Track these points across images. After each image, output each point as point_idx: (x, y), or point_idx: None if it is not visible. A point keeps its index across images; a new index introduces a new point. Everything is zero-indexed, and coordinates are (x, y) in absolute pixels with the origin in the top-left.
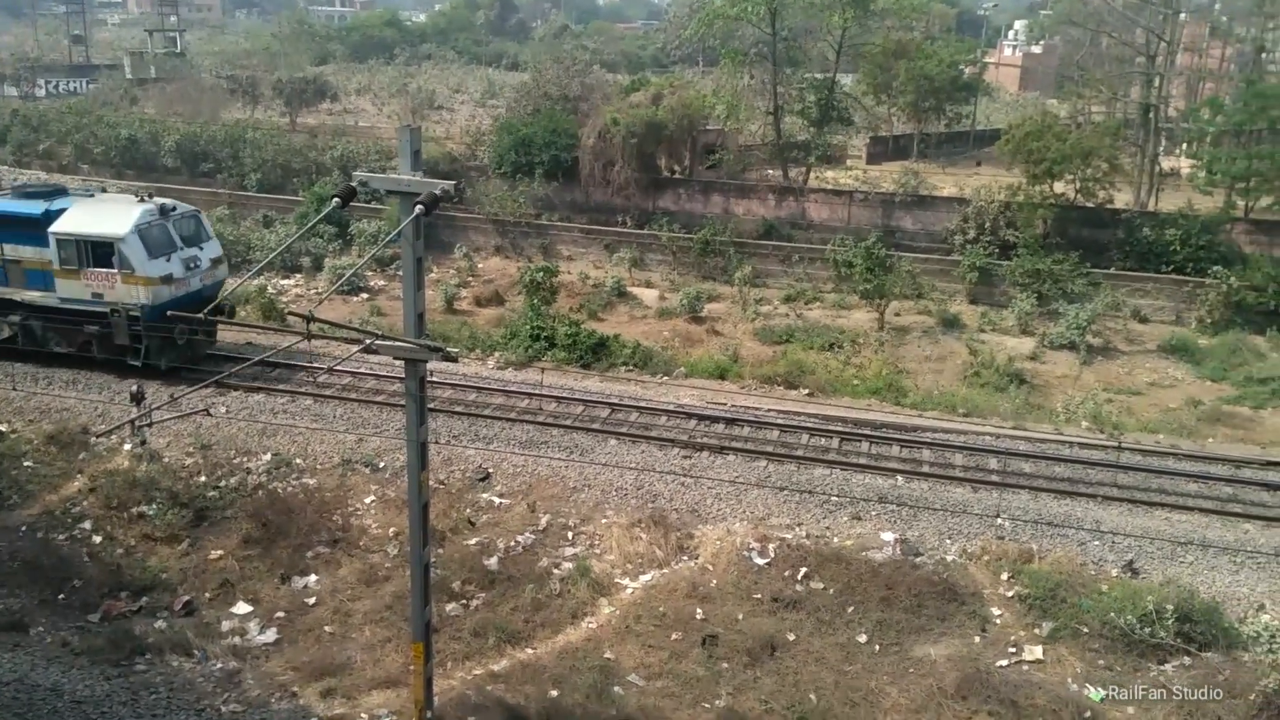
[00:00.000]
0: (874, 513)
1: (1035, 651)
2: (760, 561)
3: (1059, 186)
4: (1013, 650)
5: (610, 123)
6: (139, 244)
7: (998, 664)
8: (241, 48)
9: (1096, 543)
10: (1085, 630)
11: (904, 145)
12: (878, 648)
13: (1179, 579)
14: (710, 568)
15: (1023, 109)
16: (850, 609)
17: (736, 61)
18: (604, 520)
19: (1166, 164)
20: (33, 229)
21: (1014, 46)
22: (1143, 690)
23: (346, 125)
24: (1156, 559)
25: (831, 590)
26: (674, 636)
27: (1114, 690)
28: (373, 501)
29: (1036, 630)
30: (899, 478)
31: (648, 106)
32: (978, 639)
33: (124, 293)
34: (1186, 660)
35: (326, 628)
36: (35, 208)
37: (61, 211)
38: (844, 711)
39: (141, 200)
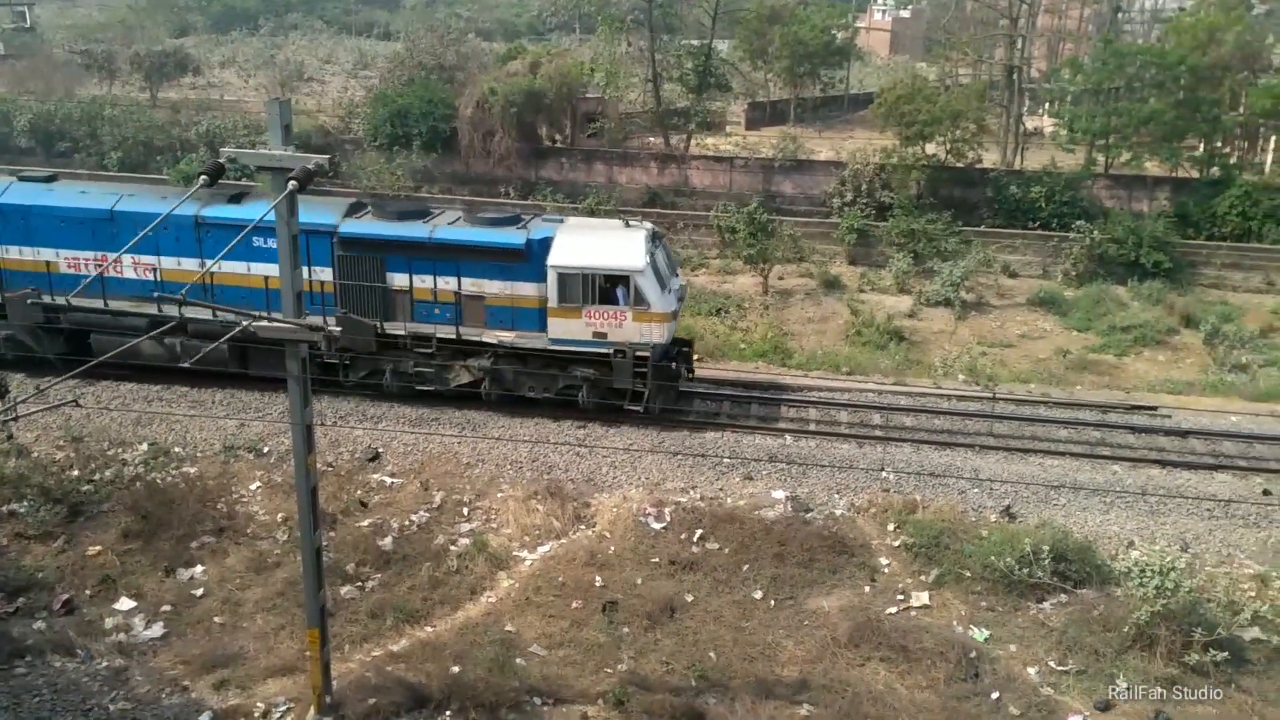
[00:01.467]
0: (765, 472)
1: (922, 597)
2: (657, 526)
3: (930, 148)
4: (901, 597)
5: (488, 92)
6: (652, 276)
7: (887, 611)
8: (96, 21)
9: (976, 490)
10: (968, 574)
11: (781, 110)
12: (773, 603)
13: (1053, 521)
14: (608, 535)
15: (893, 73)
16: (745, 567)
17: (613, 28)
18: (499, 494)
19: (1030, 124)
20: (509, 260)
21: (883, 11)
22: (1023, 628)
23: (211, 100)
24: (1032, 503)
25: (727, 550)
26: (574, 605)
27: (997, 629)
28: (259, 488)
29: (923, 577)
30: (788, 437)
31: (526, 75)
32: (868, 588)
33: (632, 331)
34: (1063, 598)
35: (216, 619)
36: (515, 237)
37: (547, 241)
38: (742, 667)
39: (629, 226)
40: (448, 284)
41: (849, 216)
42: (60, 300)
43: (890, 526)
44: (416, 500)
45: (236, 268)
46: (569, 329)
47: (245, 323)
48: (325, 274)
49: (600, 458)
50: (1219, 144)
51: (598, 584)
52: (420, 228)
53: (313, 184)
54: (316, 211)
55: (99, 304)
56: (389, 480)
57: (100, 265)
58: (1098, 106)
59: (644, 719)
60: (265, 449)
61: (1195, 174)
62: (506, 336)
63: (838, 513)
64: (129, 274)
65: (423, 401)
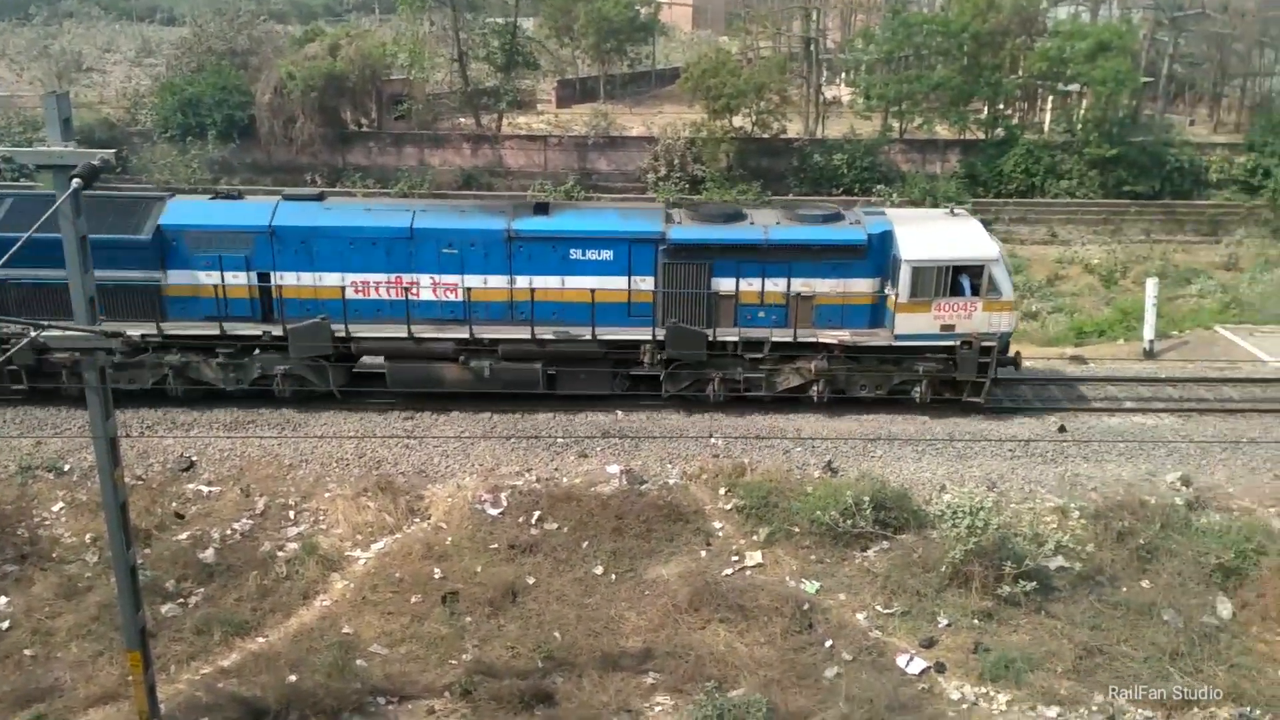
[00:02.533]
0: (599, 448)
1: (755, 557)
2: (493, 512)
3: (738, 120)
4: (736, 559)
5: (286, 77)
6: (1003, 264)
7: (724, 573)
8: None
9: (799, 449)
10: (797, 530)
11: (591, 87)
12: (614, 577)
13: (872, 472)
14: (444, 526)
15: (698, 47)
16: (585, 544)
17: (414, 7)
18: (327, 494)
19: (829, 93)
20: (847, 257)
21: None
22: (850, 577)
23: None
24: (851, 457)
25: (565, 529)
26: (413, 600)
27: (827, 580)
28: (62, 509)
29: (755, 537)
30: (619, 412)
31: (325, 58)
32: (704, 553)
33: (981, 321)
34: (885, 544)
35: (26, 651)
36: (855, 234)
37: (886, 235)
38: (588, 643)
39: (955, 214)
40: (777, 285)
41: (663, 190)
42: (355, 331)
43: (721, 491)
44: (238, 508)
45: (550, 282)
46: (916, 324)
47: (35, 333)
48: (647, 283)
49: (431, 448)
50: (1001, 106)
51: (436, 576)
52: (752, 230)
53: (99, 180)
54: (637, 220)
55: (400, 331)
56: (206, 489)
57: (395, 288)
58: (890, 75)
59: (492, 706)
60: (66, 467)
61: (982, 135)
62: (841, 335)
63: (671, 482)
64: (426, 296)
65: (238, 404)
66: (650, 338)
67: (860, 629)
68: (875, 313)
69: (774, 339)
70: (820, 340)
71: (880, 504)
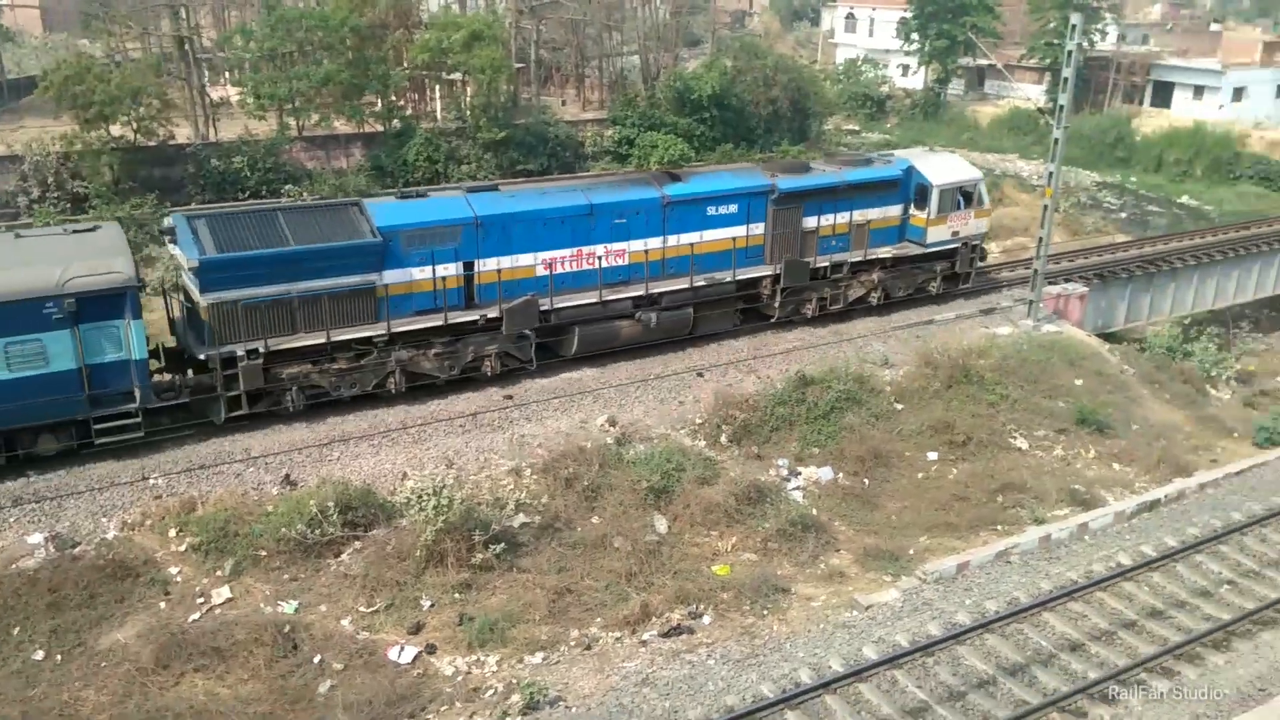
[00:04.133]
0: (13, 519)
1: (223, 592)
2: None
3: (116, 129)
4: (201, 600)
5: None
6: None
7: (190, 619)
8: None
9: (252, 469)
10: (264, 553)
11: None
12: (59, 658)
13: (333, 476)
14: None
15: (55, 52)
16: (16, 630)
17: None
18: None
19: (216, 94)
20: (888, 190)
21: None
22: (329, 586)
23: None
24: (309, 465)
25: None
26: None
27: (305, 596)
28: None
29: (219, 572)
30: (31, 474)
31: None
32: (163, 604)
33: (973, 227)
34: (358, 544)
35: None
36: (894, 171)
37: (909, 169)
38: None
39: (932, 150)
40: (844, 218)
41: (41, 214)
42: (556, 303)
43: (172, 533)
44: None
45: (693, 238)
46: (940, 234)
47: None
48: (759, 229)
49: None
50: (394, 98)
51: None
52: (830, 176)
53: None
54: (750, 177)
55: (592, 297)
56: None
57: (577, 259)
58: (277, 72)
59: None
60: None
61: (380, 128)
62: (886, 252)
63: (110, 536)
64: (603, 263)
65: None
66: (772, 273)
67: (347, 635)
68: (901, 231)
69: (851, 260)
70: (878, 256)
71: (346, 506)
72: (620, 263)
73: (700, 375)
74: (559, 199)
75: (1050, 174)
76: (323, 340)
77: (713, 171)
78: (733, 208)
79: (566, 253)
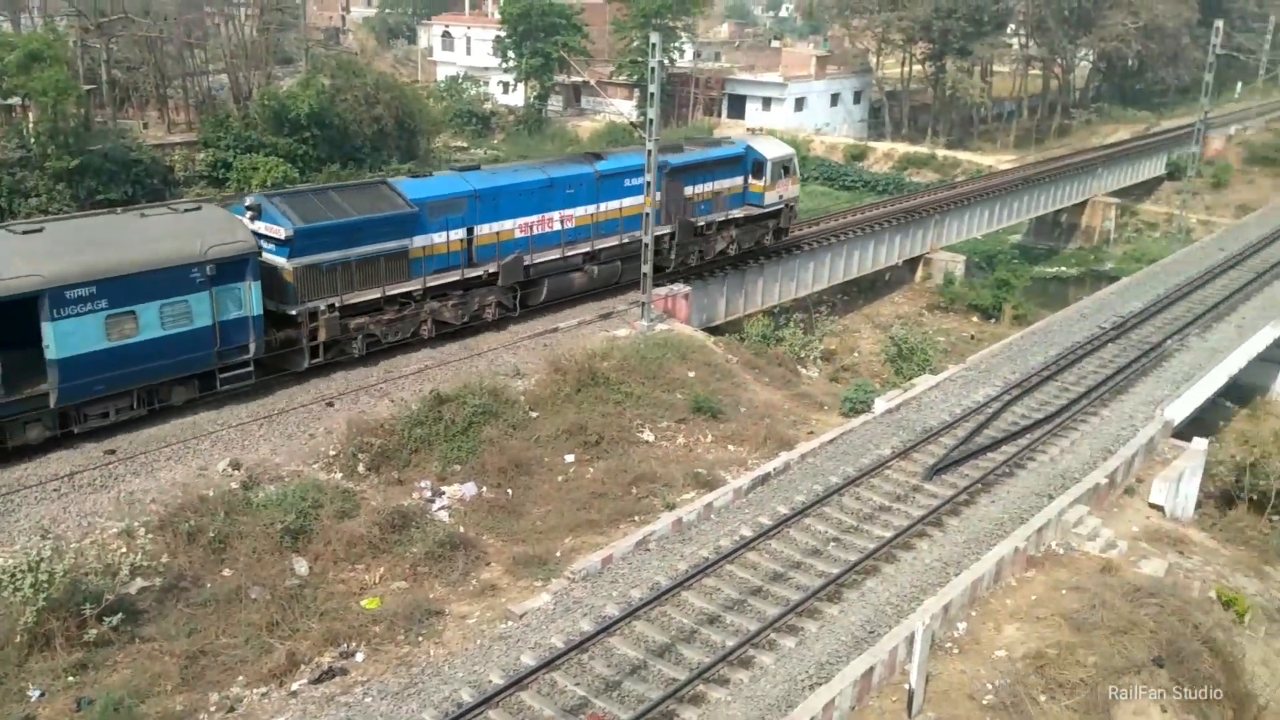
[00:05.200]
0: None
1: None
2: None
3: None
4: None
5: None
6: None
7: None
8: None
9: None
10: None
11: None
12: None
13: None
14: None
15: None
16: None
17: None
18: None
19: None
20: (735, 165)
21: None
22: None
23: None
24: None
25: None
26: None
27: None
28: None
29: None
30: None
31: None
32: None
33: (791, 191)
34: None
35: None
36: (739, 149)
37: (748, 148)
38: None
39: (758, 134)
40: (708, 187)
41: None
42: (533, 259)
43: None
44: None
45: (614, 205)
46: (772, 197)
47: None
48: (658, 197)
49: None
50: None
51: None
52: (704, 153)
53: None
54: (644, 156)
55: (556, 254)
56: None
57: (543, 223)
58: None
59: None
60: None
61: None
62: (738, 213)
63: None
64: (559, 226)
65: None
66: (669, 231)
67: None
68: (744, 197)
69: (717, 220)
70: (732, 217)
71: None
72: (571, 225)
73: (330, 405)
74: (528, 174)
75: (648, 183)
76: (378, 295)
77: (623, 152)
78: (640, 180)
79: (537, 218)
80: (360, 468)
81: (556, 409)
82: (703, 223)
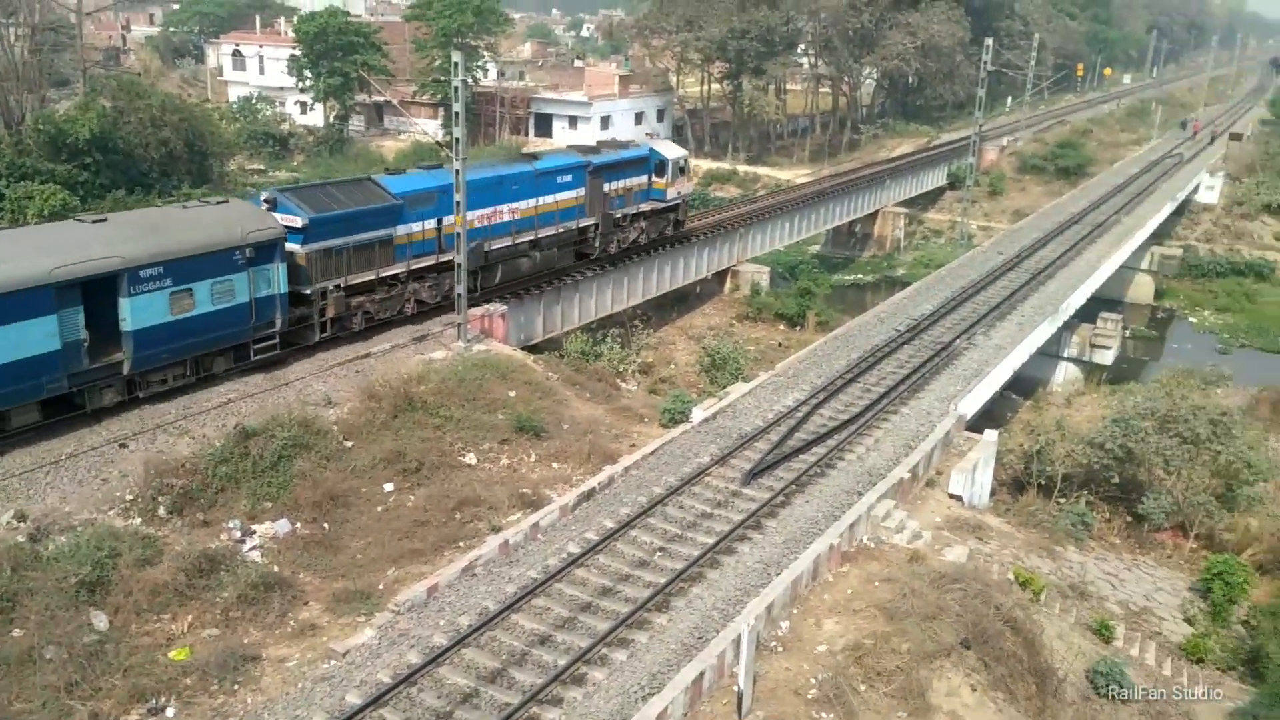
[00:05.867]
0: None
1: None
2: None
3: None
4: None
5: None
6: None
7: None
8: None
9: None
10: None
11: None
12: None
13: None
14: None
15: None
16: None
17: None
18: None
19: None
20: (642, 164)
21: None
22: None
23: None
24: None
25: None
26: None
27: None
28: None
29: None
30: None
31: None
32: None
33: (687, 187)
34: None
35: None
36: (644, 151)
37: (653, 150)
38: None
39: (658, 138)
40: (621, 184)
41: None
42: (489, 246)
43: None
44: None
45: (549, 199)
46: (672, 194)
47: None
48: (583, 192)
49: None
50: None
51: None
52: (619, 154)
53: None
54: (576, 157)
55: (508, 241)
56: None
57: (496, 214)
58: None
59: None
60: None
61: None
62: (646, 207)
63: None
64: (508, 217)
65: None
66: (593, 222)
67: None
68: (648, 193)
69: (630, 213)
70: (641, 210)
71: None
72: (518, 217)
73: (124, 446)
74: (483, 172)
75: (457, 203)
76: (373, 276)
77: (553, 153)
78: (569, 178)
79: (490, 210)
80: (161, 511)
81: (373, 437)
82: (619, 215)
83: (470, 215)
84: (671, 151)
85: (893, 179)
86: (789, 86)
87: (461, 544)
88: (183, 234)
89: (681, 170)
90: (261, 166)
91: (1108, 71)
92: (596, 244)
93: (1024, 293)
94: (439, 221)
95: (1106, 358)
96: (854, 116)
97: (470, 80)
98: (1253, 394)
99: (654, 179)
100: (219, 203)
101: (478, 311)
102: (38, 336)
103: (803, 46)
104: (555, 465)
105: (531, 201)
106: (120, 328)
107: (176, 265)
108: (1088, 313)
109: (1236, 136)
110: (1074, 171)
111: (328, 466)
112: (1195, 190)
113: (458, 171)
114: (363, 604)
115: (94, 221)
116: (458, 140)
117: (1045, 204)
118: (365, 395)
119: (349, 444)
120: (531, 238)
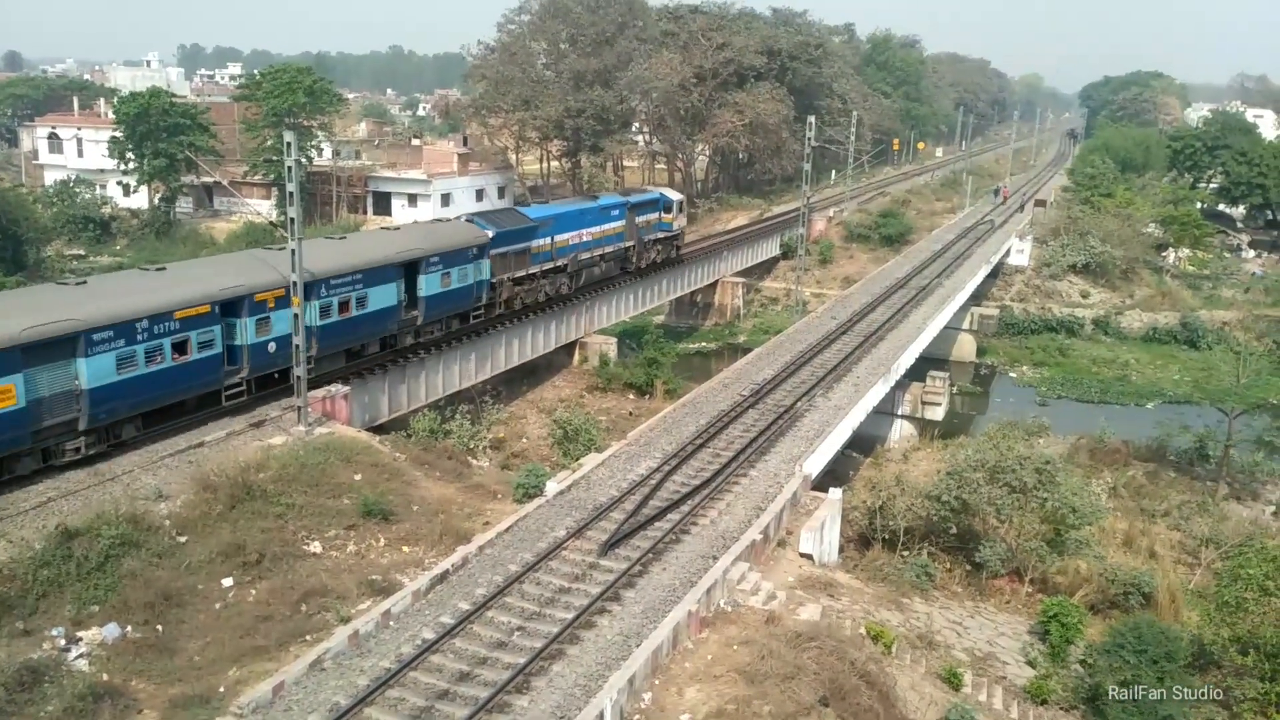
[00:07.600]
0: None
1: None
2: None
3: None
4: None
5: None
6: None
7: None
8: None
9: None
10: None
11: None
12: None
13: None
14: None
15: None
16: None
17: None
18: None
19: None
20: (655, 205)
21: None
22: None
23: None
24: None
25: None
26: None
27: None
28: None
29: None
30: None
31: None
32: None
33: (681, 222)
34: None
35: None
36: (657, 195)
37: (660, 194)
38: None
39: (648, 190)
40: (645, 218)
41: None
42: (580, 256)
43: None
44: None
45: (607, 227)
46: (674, 227)
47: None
48: (624, 224)
49: None
50: None
51: None
52: (640, 197)
53: None
54: (616, 199)
55: (587, 255)
56: None
57: (581, 237)
58: None
59: None
60: None
61: None
62: (660, 235)
63: None
64: (587, 239)
65: None
66: (633, 244)
67: None
68: (659, 226)
69: (649, 239)
70: (657, 237)
71: None
72: (593, 239)
73: None
74: (570, 205)
75: (293, 284)
76: (523, 274)
77: (605, 195)
78: (617, 212)
79: (577, 232)
80: None
81: (209, 530)
82: (646, 240)
83: (565, 235)
84: (674, 195)
85: (730, 250)
86: (626, 163)
87: (308, 637)
88: (451, 238)
89: (680, 209)
90: (82, 251)
91: (921, 145)
92: (634, 260)
93: (858, 355)
94: (552, 240)
95: (938, 414)
96: (690, 191)
97: (305, 160)
98: (1071, 442)
99: (663, 215)
100: (451, 221)
101: (319, 393)
102: None
103: (637, 125)
104: (406, 549)
105: (599, 228)
106: (418, 294)
107: (448, 255)
108: (918, 371)
109: (1041, 203)
110: (896, 239)
111: (160, 564)
112: (1007, 254)
113: (293, 252)
114: (202, 709)
115: (387, 229)
116: (292, 220)
117: (872, 270)
118: (199, 486)
119: (183, 539)
120: (601, 252)
